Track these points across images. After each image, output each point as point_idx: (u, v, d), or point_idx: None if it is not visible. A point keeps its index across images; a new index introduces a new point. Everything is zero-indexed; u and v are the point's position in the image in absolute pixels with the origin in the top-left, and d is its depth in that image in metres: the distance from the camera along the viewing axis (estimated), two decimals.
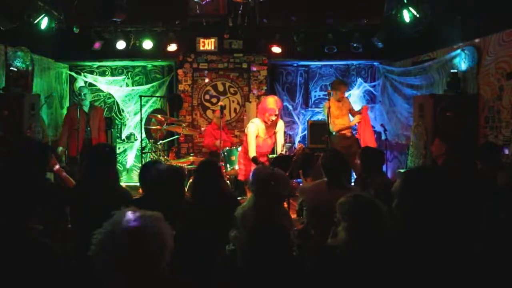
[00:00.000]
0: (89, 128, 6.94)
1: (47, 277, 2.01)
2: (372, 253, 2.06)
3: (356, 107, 8.41)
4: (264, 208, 2.77)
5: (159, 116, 6.91)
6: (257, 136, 5.36)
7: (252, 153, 5.29)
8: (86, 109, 6.94)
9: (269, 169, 2.97)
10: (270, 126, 5.39)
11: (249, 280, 2.20)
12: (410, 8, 6.14)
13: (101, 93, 8.65)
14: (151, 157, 7.72)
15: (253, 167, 5.47)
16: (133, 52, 7.67)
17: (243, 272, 2.35)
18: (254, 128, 5.34)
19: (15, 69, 5.88)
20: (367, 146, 5.69)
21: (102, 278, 1.55)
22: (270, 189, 2.80)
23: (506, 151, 4.88)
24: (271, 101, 5.29)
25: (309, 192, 3.64)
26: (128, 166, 8.66)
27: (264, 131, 5.38)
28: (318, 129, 8.09)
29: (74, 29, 6.92)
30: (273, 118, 5.29)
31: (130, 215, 1.60)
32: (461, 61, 5.78)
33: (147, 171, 3.55)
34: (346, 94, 7.33)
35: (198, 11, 7.15)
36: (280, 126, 5.53)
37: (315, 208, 3.45)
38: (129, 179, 8.55)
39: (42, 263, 2.02)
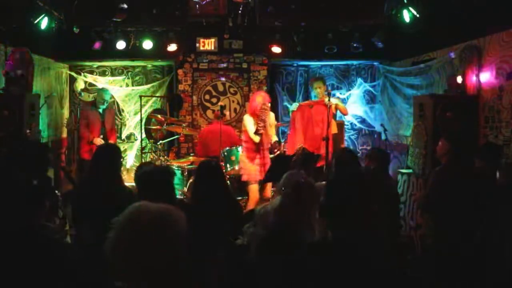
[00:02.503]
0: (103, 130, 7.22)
1: (64, 273, 2.02)
2: (359, 252, 2.05)
3: (356, 107, 8.44)
4: (288, 213, 2.73)
5: (159, 116, 6.91)
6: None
7: (256, 138, 5.69)
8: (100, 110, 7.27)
9: (301, 176, 2.93)
10: (262, 120, 5.68)
11: (257, 274, 2.21)
12: (410, 8, 6.15)
13: None
14: (151, 157, 7.72)
15: (254, 166, 5.72)
16: (133, 52, 7.66)
17: (252, 265, 2.36)
18: (250, 118, 5.83)
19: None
20: (376, 147, 5.69)
21: (112, 267, 1.56)
22: (299, 196, 2.77)
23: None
24: (259, 98, 5.84)
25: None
26: (128, 166, 8.65)
27: (256, 126, 5.72)
28: None
29: (74, 29, 6.91)
30: (266, 110, 5.70)
31: (146, 204, 1.64)
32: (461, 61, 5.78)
33: (138, 172, 3.55)
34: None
35: (198, 11, 7.15)
36: (272, 120, 6.08)
37: None
38: (129, 179, 8.54)
39: (60, 260, 2.04)
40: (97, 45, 7.39)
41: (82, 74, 8.50)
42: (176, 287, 1.60)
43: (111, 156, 3.55)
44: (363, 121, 8.52)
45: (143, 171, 3.25)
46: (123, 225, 1.57)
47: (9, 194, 2.10)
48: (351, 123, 8.56)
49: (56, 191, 3.80)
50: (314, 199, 2.76)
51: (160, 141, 7.05)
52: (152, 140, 8.02)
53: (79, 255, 2.22)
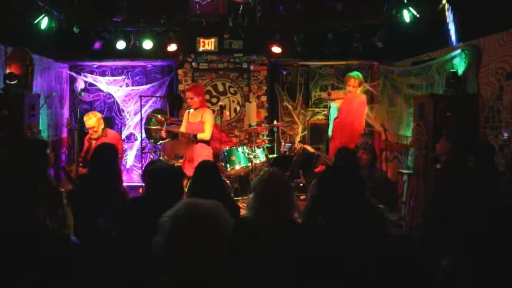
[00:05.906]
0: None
1: (70, 270, 2.04)
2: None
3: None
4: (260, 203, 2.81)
5: (159, 116, 6.91)
6: (188, 121, 6.01)
7: (182, 128, 6.06)
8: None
9: (270, 170, 3.01)
10: (196, 112, 5.94)
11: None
12: (410, 8, 6.14)
13: (101, 93, 8.66)
14: (151, 157, 7.72)
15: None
16: (133, 52, 7.66)
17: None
18: (186, 113, 6.14)
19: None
20: (367, 141, 5.76)
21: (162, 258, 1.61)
22: (266, 186, 2.84)
23: (505, 135, 4.90)
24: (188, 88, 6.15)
25: None
26: (128, 166, 8.65)
27: (192, 116, 5.98)
28: (318, 129, 8.10)
29: (74, 29, 6.92)
30: (191, 102, 5.97)
31: (196, 201, 1.69)
32: (461, 61, 5.78)
33: (147, 170, 3.54)
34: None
35: (198, 11, 7.15)
36: (206, 116, 5.88)
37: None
38: (129, 179, 8.55)
39: (67, 258, 2.05)
40: (97, 45, 7.39)
41: (82, 74, 8.50)
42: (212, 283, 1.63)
43: (106, 155, 3.56)
44: None
45: (157, 170, 3.24)
46: (174, 219, 1.61)
47: (13, 192, 2.10)
48: None
49: (62, 189, 3.81)
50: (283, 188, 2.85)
51: (160, 141, 7.05)
52: (152, 140, 8.02)
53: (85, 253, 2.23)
